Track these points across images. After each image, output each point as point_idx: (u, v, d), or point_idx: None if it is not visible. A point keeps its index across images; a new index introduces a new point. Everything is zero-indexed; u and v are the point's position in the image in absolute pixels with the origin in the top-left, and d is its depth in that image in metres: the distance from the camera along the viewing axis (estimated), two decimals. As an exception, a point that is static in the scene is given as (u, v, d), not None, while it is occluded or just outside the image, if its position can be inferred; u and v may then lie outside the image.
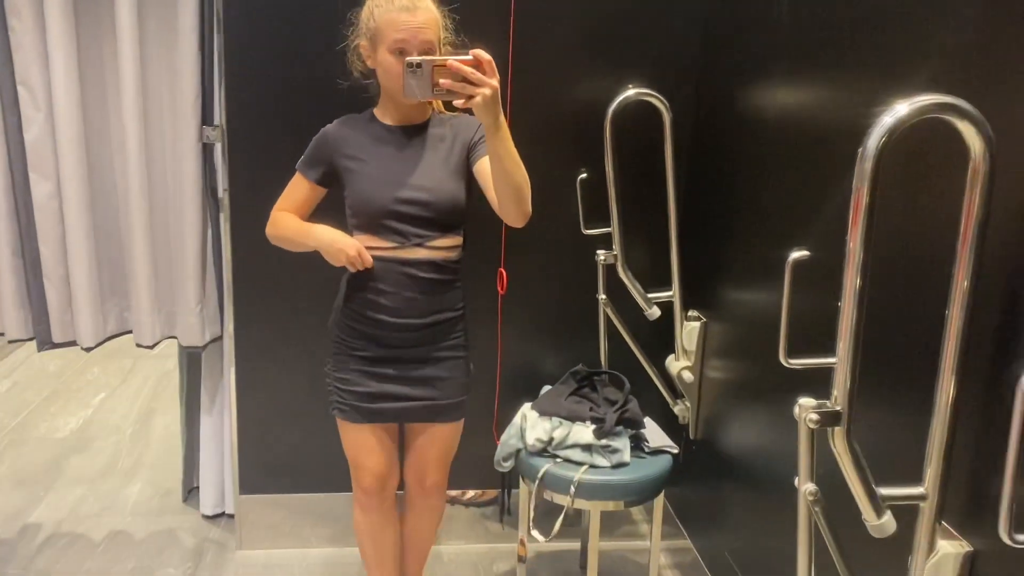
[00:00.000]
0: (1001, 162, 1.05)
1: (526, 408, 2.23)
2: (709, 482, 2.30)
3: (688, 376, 2.30)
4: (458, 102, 1.61)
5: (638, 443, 2.16)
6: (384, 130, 1.86)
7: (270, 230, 1.92)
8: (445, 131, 1.86)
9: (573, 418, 2.15)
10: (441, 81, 1.59)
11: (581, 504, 2.06)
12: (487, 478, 2.56)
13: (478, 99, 1.57)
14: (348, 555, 2.50)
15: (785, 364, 1.34)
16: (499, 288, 2.42)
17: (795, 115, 1.80)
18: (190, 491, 2.83)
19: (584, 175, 2.35)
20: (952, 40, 1.26)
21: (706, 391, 2.28)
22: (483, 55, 1.58)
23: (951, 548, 1.19)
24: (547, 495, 2.09)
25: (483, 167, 1.78)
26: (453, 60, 1.58)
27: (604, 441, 2.09)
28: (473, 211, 1.88)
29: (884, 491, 1.19)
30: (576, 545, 2.55)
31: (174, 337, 2.49)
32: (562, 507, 2.08)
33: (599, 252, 2.33)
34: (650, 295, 2.31)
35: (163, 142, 2.35)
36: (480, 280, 2.38)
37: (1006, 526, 0.99)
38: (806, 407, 1.14)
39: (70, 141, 2.24)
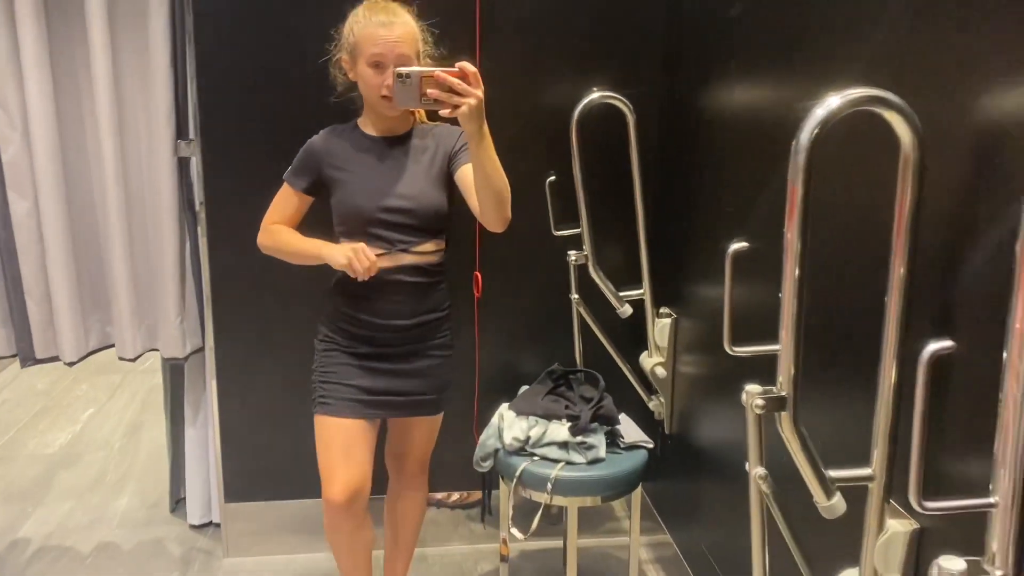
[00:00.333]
0: (932, 152, 1.09)
1: (503, 408, 2.26)
2: (685, 476, 2.34)
3: (661, 372, 2.34)
4: (444, 111, 1.67)
5: (613, 439, 2.20)
6: (368, 140, 1.92)
7: (266, 241, 1.95)
8: (428, 142, 1.93)
9: (549, 416, 2.19)
10: (429, 91, 1.67)
11: (559, 500, 2.10)
12: (471, 480, 2.60)
13: (464, 108, 1.64)
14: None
15: (730, 352, 1.38)
16: (475, 291, 2.46)
17: (747, 114, 1.85)
18: (177, 502, 2.86)
19: (552, 178, 2.40)
20: (884, 39, 1.31)
21: (679, 386, 2.32)
22: (469, 67, 1.65)
23: (900, 527, 1.23)
24: (525, 493, 2.13)
25: (464, 174, 1.85)
26: (440, 72, 1.65)
27: (579, 438, 2.13)
28: (454, 216, 1.95)
29: (833, 473, 1.22)
30: (559, 543, 2.58)
31: (156, 349, 2.53)
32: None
33: (570, 253, 2.37)
34: (621, 293, 2.36)
35: (139, 157, 2.39)
36: (456, 284, 2.42)
37: (916, 494, 1.03)
38: (752, 393, 1.18)
39: (47, 159, 2.28)
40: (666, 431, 2.39)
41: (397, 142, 1.93)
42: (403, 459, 2.12)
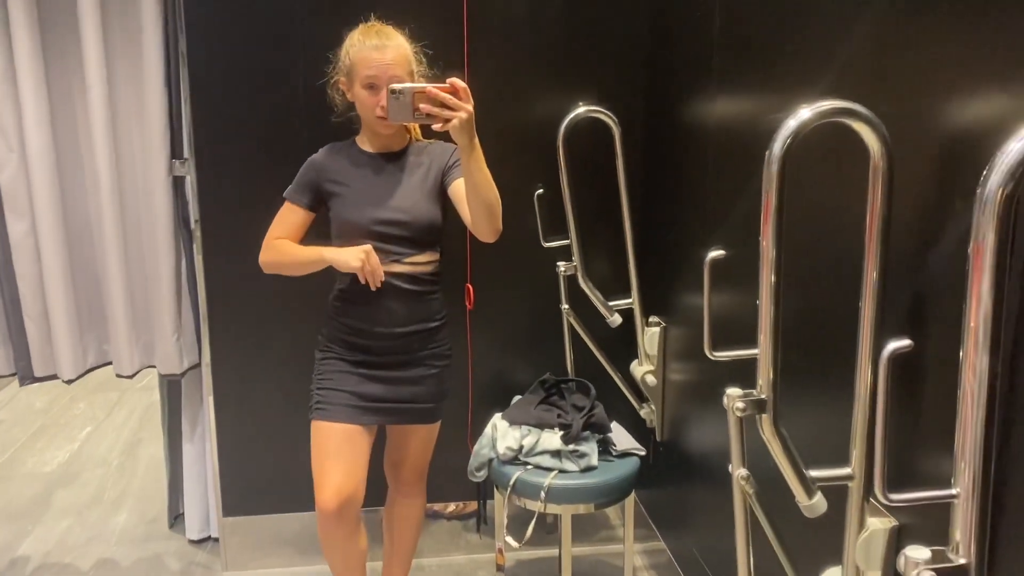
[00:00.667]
0: (902, 161, 1.13)
1: (497, 418, 2.30)
2: (678, 482, 2.37)
3: (652, 380, 2.37)
4: (436, 125, 1.73)
5: (605, 447, 2.24)
6: (365, 156, 1.99)
7: (268, 256, 1.99)
8: (423, 158, 1.99)
9: (542, 426, 2.22)
10: (421, 106, 1.73)
11: (553, 508, 2.13)
12: (466, 491, 2.63)
13: (455, 122, 1.71)
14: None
15: (710, 356, 1.41)
16: (467, 303, 2.50)
17: (728, 126, 1.90)
18: (176, 517, 2.88)
19: (541, 190, 2.44)
20: (854, 53, 1.35)
21: (670, 393, 2.35)
22: (459, 83, 1.71)
23: (880, 524, 1.26)
24: (520, 502, 2.16)
25: (457, 188, 1.92)
26: (432, 87, 1.71)
27: (572, 447, 2.16)
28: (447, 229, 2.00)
29: (814, 473, 1.26)
30: (555, 552, 2.61)
31: (153, 366, 2.56)
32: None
33: (560, 264, 2.41)
34: (611, 303, 2.40)
35: (134, 176, 2.43)
36: (448, 296, 2.45)
37: (881, 487, 1.06)
38: (733, 396, 1.22)
39: (43, 180, 2.31)
40: (658, 438, 2.42)
41: (393, 158, 1.99)
42: (400, 467, 2.15)
